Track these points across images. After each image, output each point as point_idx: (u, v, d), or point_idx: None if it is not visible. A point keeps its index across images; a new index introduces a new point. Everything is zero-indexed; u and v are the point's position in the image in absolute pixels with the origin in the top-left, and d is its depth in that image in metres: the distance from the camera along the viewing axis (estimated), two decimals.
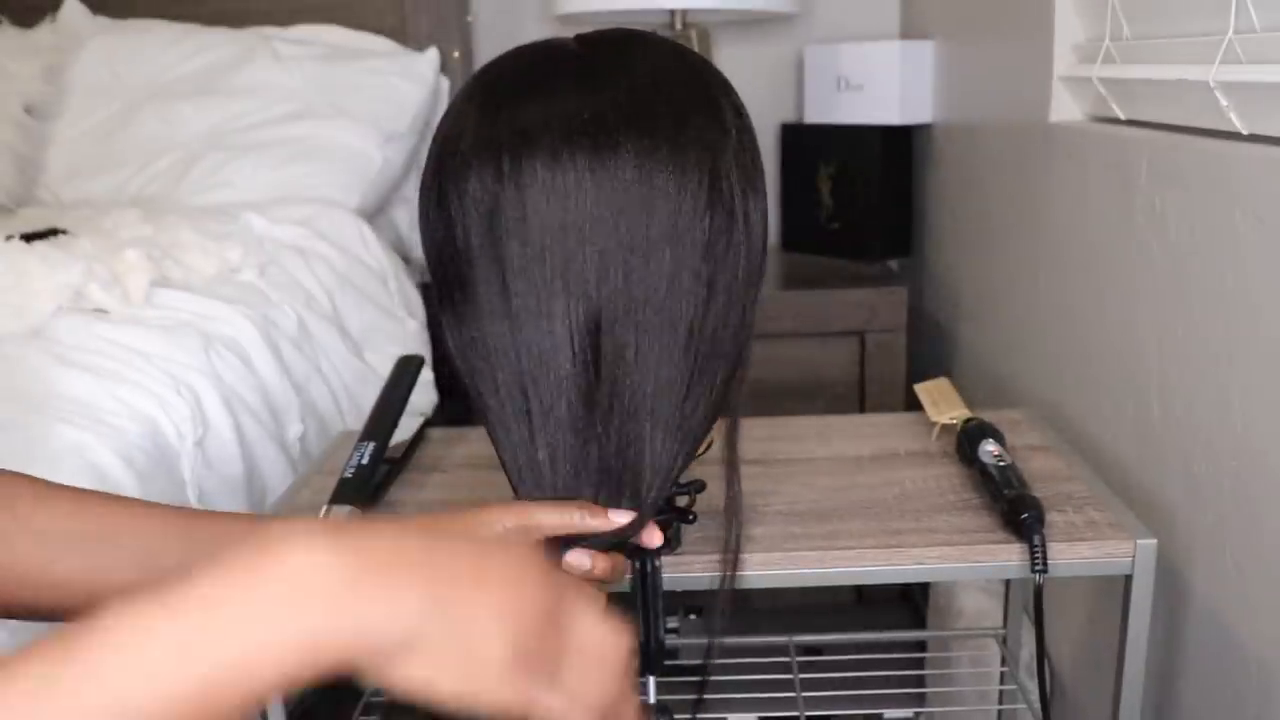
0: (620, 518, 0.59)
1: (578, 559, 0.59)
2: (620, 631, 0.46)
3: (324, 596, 0.35)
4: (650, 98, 0.58)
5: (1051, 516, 0.78)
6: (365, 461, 0.93)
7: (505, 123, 0.58)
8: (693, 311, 0.59)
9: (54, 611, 0.54)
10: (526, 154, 0.57)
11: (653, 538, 0.62)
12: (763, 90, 1.95)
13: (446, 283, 0.61)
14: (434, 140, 0.62)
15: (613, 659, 0.45)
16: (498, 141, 0.58)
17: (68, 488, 0.56)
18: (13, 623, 0.80)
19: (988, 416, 0.93)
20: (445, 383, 1.51)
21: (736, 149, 0.60)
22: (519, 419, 0.59)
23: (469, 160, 0.58)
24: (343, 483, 0.90)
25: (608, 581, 0.62)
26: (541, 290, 0.57)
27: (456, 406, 1.55)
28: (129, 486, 0.93)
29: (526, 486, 0.61)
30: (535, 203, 0.57)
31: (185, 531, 0.57)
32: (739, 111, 0.62)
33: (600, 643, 0.45)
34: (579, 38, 0.64)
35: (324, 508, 0.86)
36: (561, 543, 0.59)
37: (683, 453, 0.60)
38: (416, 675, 0.38)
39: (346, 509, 0.86)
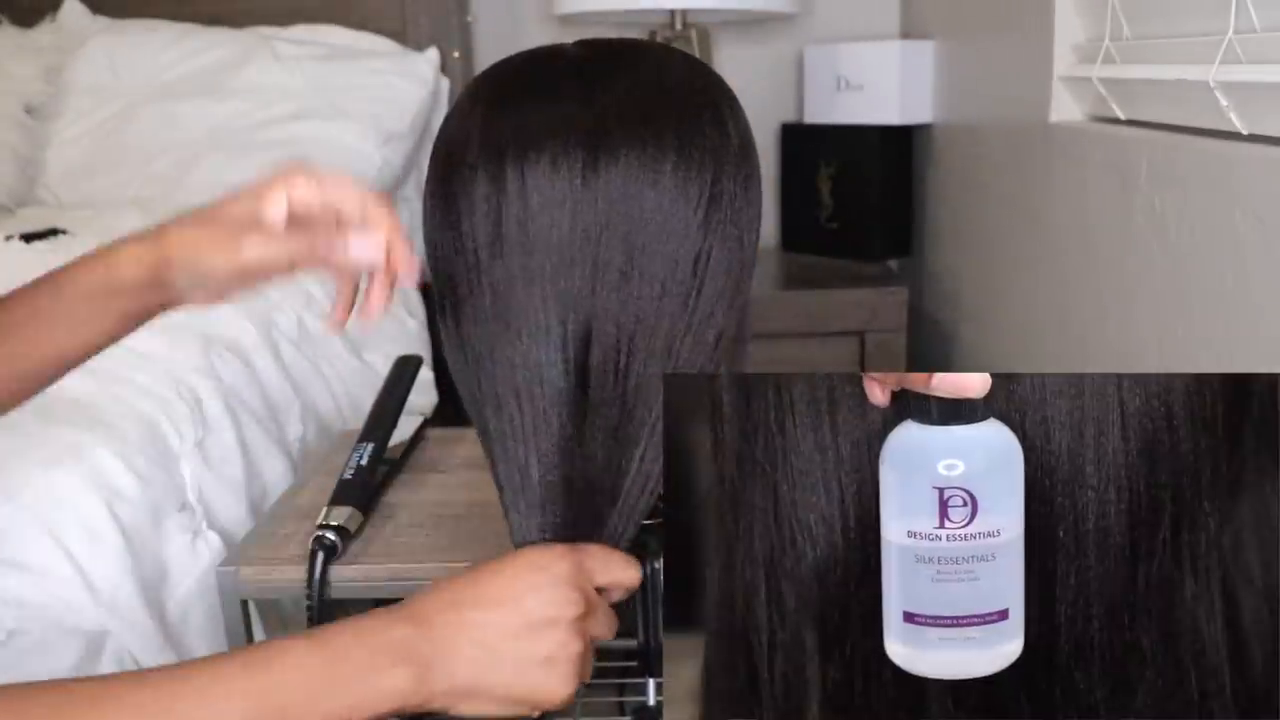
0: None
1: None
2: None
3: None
4: (652, 108, 0.58)
5: None
6: (364, 462, 0.93)
7: (509, 129, 0.58)
8: (682, 326, 0.58)
9: None
10: (529, 163, 0.56)
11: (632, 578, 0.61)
12: (763, 90, 1.95)
13: (447, 288, 0.61)
14: (436, 145, 0.62)
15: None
16: (501, 149, 0.57)
17: None
18: None
19: None
20: (444, 382, 1.51)
21: (738, 159, 0.60)
22: (511, 428, 0.59)
23: (474, 167, 0.58)
24: (342, 484, 0.90)
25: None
26: (538, 300, 0.57)
27: (455, 406, 1.55)
28: (129, 487, 0.93)
29: (513, 496, 0.60)
30: (535, 212, 0.56)
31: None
32: (740, 123, 0.62)
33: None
34: (582, 43, 0.64)
35: (324, 509, 0.86)
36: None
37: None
38: (480, 710, 0.54)
39: (347, 510, 0.86)
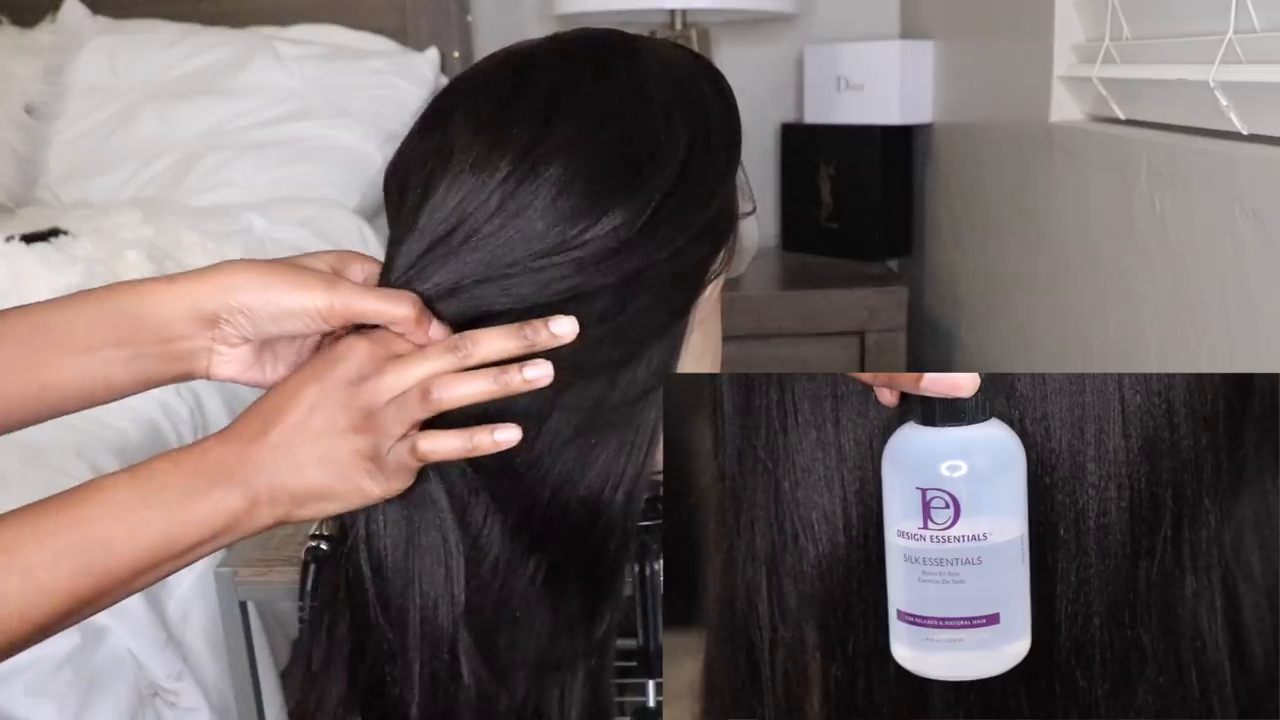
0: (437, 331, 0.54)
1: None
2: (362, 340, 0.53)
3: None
4: (592, 133, 0.54)
5: None
6: None
7: (439, 137, 0.56)
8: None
9: None
10: (453, 161, 0.54)
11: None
12: (763, 90, 1.95)
13: None
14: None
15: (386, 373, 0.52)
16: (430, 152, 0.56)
17: None
18: None
19: None
20: None
21: (677, 181, 0.55)
22: None
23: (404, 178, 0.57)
24: None
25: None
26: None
27: None
28: None
29: None
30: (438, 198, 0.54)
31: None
32: (696, 139, 0.57)
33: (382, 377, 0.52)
34: (551, 46, 0.60)
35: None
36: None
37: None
38: (302, 516, 0.53)
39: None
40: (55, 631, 0.51)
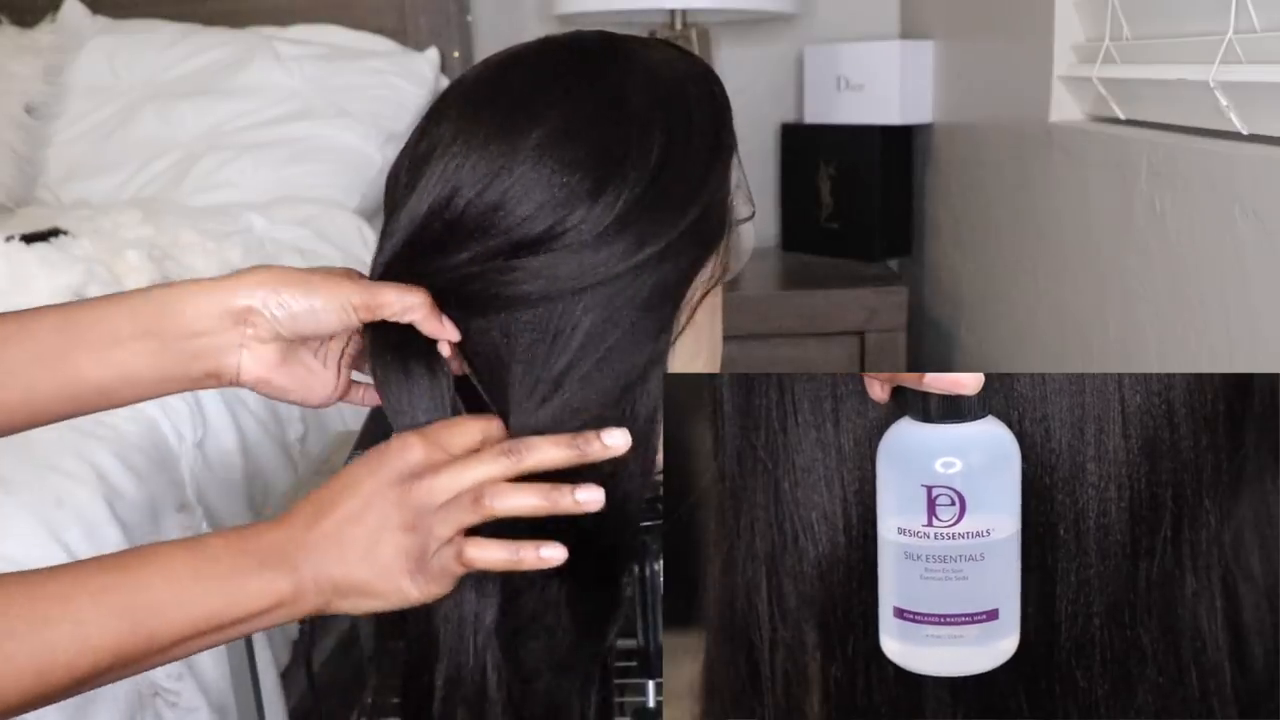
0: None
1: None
2: (406, 441, 0.54)
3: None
4: (563, 136, 0.55)
5: None
6: None
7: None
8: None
9: None
10: (431, 163, 0.56)
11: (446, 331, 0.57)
12: (763, 90, 1.95)
13: None
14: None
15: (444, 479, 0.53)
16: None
17: None
18: None
19: None
20: None
21: (648, 183, 0.55)
22: None
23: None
24: None
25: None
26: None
27: None
28: (128, 488, 0.93)
29: None
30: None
31: (64, 323, 0.56)
32: (673, 143, 0.56)
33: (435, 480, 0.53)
34: (539, 49, 0.60)
35: None
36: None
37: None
38: (341, 608, 0.53)
39: None
40: (90, 688, 0.51)
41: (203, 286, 0.56)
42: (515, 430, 0.55)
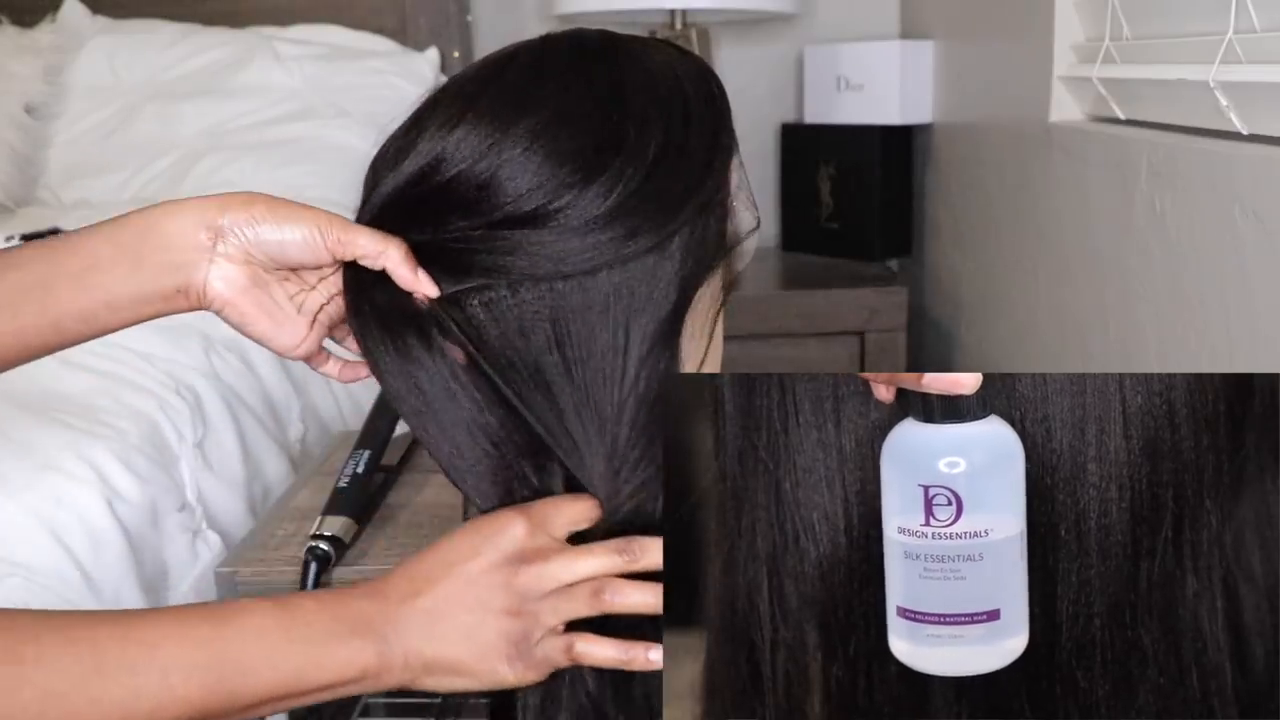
0: None
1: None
2: (510, 520, 0.54)
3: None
4: (554, 129, 0.55)
5: None
6: (360, 470, 0.92)
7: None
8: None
9: None
10: (418, 147, 0.56)
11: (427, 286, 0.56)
12: (763, 90, 1.95)
13: None
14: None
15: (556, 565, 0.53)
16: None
17: None
18: None
19: None
20: None
21: (646, 178, 0.55)
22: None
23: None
24: (337, 492, 0.89)
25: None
26: None
27: None
28: (129, 487, 0.93)
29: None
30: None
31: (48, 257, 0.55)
32: (669, 141, 0.56)
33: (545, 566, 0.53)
34: (537, 46, 0.61)
35: (318, 518, 0.85)
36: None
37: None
38: (427, 685, 0.53)
39: (341, 520, 0.85)
40: None
41: (181, 204, 0.55)
42: (606, 506, 0.55)
